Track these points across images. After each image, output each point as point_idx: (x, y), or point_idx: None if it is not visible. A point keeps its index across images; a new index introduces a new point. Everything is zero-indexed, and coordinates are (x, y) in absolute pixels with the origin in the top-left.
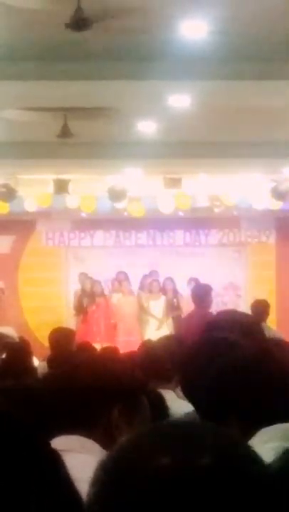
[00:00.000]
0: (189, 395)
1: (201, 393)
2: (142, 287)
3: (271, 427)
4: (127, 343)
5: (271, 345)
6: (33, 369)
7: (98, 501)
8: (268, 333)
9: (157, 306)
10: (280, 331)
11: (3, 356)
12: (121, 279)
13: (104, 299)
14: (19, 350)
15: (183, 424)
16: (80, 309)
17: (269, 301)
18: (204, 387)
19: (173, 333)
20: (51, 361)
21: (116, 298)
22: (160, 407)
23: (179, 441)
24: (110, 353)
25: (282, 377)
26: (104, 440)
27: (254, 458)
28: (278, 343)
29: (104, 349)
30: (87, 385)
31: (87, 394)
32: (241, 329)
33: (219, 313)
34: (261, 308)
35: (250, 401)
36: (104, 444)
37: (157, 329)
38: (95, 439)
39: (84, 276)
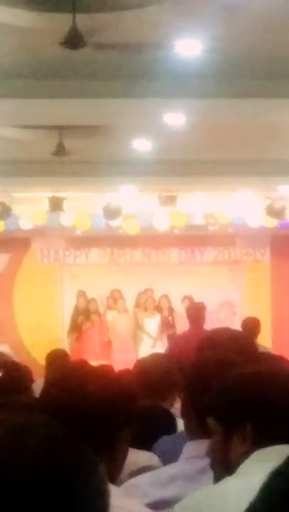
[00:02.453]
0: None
1: (215, 402)
2: (137, 305)
3: (270, 447)
4: (122, 361)
5: (266, 360)
6: (31, 388)
7: None
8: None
9: (152, 323)
10: (276, 349)
11: (0, 374)
12: (115, 297)
13: (99, 317)
14: (17, 369)
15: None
16: (75, 327)
17: (264, 319)
18: (220, 396)
19: (167, 351)
20: (48, 382)
21: (111, 315)
22: (169, 421)
23: None
24: (101, 370)
25: None
26: (108, 463)
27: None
28: (272, 356)
29: (99, 367)
30: (97, 405)
31: (95, 414)
32: (236, 346)
33: (213, 331)
34: (252, 326)
35: (268, 412)
36: (109, 475)
37: (152, 347)
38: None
39: (81, 294)
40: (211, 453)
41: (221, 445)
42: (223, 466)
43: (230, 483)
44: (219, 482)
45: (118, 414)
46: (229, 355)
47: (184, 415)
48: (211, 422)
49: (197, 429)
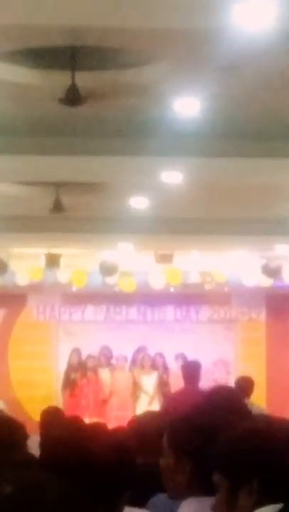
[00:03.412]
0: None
1: (229, 449)
2: (133, 362)
3: (271, 506)
4: (119, 418)
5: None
6: (25, 445)
7: None
8: (252, 410)
9: (149, 381)
10: (270, 408)
11: None
12: (106, 354)
13: (95, 374)
14: (10, 424)
15: None
16: (68, 383)
17: (259, 378)
18: (228, 451)
19: (162, 409)
20: (49, 440)
21: (104, 372)
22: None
23: None
24: (99, 428)
25: None
26: None
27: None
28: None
29: (92, 424)
30: (101, 468)
31: (98, 476)
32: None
33: (212, 391)
34: (245, 385)
35: (274, 470)
36: None
37: (149, 404)
38: None
39: (74, 351)
40: (217, 509)
41: (226, 501)
42: None
43: None
44: None
45: (120, 476)
46: (226, 415)
47: (185, 471)
48: (217, 477)
49: (199, 486)
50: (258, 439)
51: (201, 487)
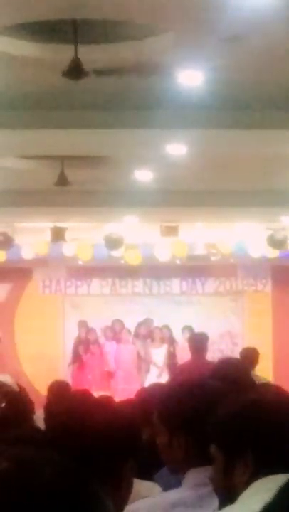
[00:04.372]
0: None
1: (217, 430)
2: (137, 335)
3: (269, 477)
4: (125, 391)
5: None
6: (32, 419)
7: None
8: (257, 381)
9: (159, 354)
10: (276, 379)
11: (3, 405)
12: (116, 328)
13: (99, 347)
14: (19, 400)
15: None
16: (76, 357)
17: (265, 350)
18: (222, 424)
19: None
20: (49, 410)
21: (111, 346)
22: None
23: None
24: (105, 401)
25: None
26: (114, 494)
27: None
28: (271, 386)
29: (101, 399)
30: (102, 437)
31: (100, 446)
32: (236, 376)
33: (219, 362)
34: (251, 356)
35: (269, 442)
36: (114, 498)
37: (158, 377)
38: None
39: (81, 324)
40: (214, 479)
41: (223, 472)
42: (226, 493)
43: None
44: (224, 509)
45: (122, 446)
46: (229, 384)
47: (181, 445)
48: (213, 449)
49: (197, 457)
50: (251, 411)
51: (200, 458)
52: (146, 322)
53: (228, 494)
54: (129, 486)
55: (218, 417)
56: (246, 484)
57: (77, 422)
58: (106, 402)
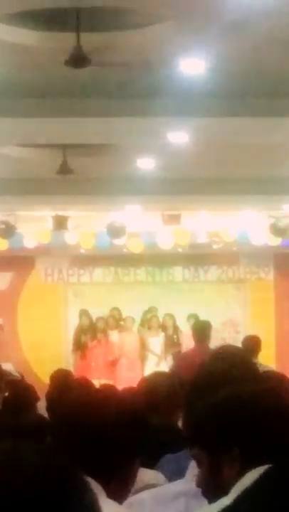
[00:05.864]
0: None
1: (203, 423)
2: (142, 323)
3: (260, 468)
4: (128, 379)
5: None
6: (36, 407)
7: None
8: (261, 369)
9: (157, 342)
10: (279, 367)
11: (6, 394)
12: (115, 316)
13: (105, 336)
14: (23, 388)
15: None
16: (79, 345)
17: (268, 338)
18: (208, 417)
19: (172, 369)
20: (51, 400)
21: (113, 334)
22: (175, 439)
23: None
24: (109, 390)
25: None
26: (118, 490)
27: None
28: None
29: (102, 387)
30: (117, 435)
31: (115, 443)
32: (237, 362)
33: (219, 348)
34: (253, 344)
35: (253, 434)
36: (117, 495)
37: (157, 365)
38: (109, 489)
39: (83, 313)
40: (202, 484)
41: (210, 472)
42: (219, 492)
43: (226, 502)
44: (217, 501)
45: (133, 441)
46: (229, 370)
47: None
48: (195, 452)
49: None
50: (227, 406)
51: None
52: (151, 311)
53: (222, 492)
54: (134, 474)
55: (194, 417)
56: (237, 478)
57: (84, 415)
58: (110, 394)
